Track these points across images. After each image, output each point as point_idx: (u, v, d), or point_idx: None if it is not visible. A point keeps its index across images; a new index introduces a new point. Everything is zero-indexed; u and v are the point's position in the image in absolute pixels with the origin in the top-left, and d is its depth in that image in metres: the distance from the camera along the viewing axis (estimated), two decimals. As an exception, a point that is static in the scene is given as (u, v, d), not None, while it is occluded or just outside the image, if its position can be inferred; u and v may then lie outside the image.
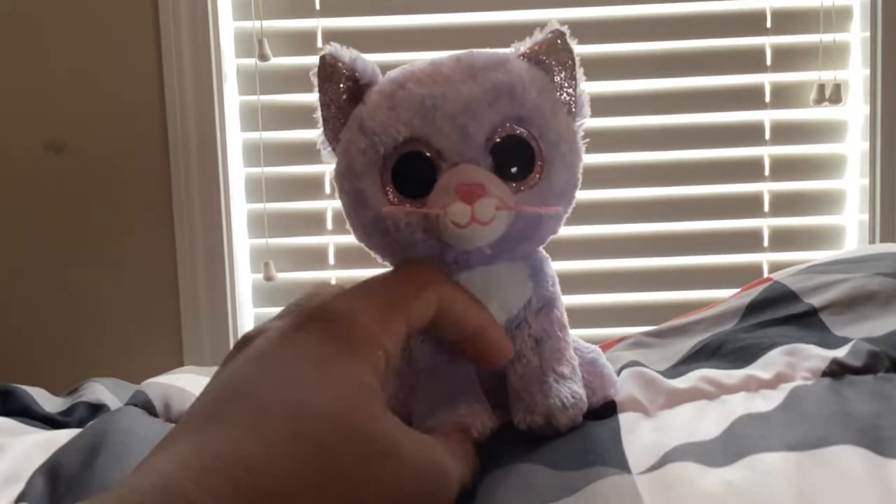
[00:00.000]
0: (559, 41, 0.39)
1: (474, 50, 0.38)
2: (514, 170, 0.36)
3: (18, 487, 0.42)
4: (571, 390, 0.37)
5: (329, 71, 0.38)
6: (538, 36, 0.39)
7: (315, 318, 0.31)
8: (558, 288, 0.41)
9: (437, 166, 0.36)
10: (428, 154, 0.36)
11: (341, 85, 0.38)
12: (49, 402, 0.57)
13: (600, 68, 1.43)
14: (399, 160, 0.36)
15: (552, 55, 0.39)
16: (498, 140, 0.36)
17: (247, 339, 0.32)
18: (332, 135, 0.39)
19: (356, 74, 0.38)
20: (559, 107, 0.38)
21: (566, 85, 0.39)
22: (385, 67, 0.39)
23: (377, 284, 0.34)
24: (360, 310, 0.32)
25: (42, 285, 1.47)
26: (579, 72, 0.39)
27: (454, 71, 0.37)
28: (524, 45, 0.39)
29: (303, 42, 1.46)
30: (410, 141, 0.36)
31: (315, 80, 0.39)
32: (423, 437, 0.31)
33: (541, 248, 0.41)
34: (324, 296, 0.32)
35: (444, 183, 0.35)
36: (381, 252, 0.39)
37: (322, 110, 0.39)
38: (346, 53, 0.38)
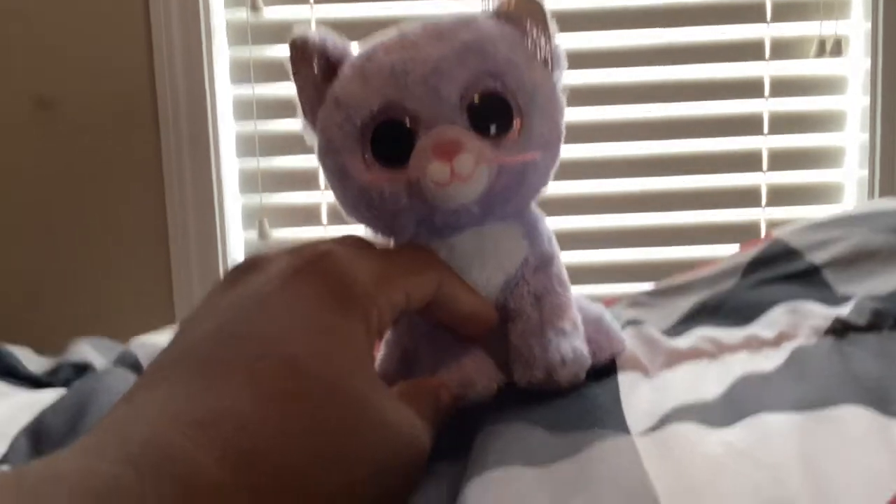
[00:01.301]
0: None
1: (442, 15, 0.38)
2: (492, 128, 0.36)
3: (2, 449, 0.42)
4: (572, 345, 0.37)
5: (300, 53, 0.39)
6: None
7: (316, 266, 0.31)
8: (556, 246, 0.41)
9: (415, 132, 0.36)
10: (404, 121, 0.36)
11: (314, 65, 0.39)
12: (34, 363, 0.56)
13: (602, 23, 1.41)
14: (376, 130, 0.36)
15: (521, 10, 0.38)
16: (473, 100, 0.36)
17: (245, 269, 0.32)
18: (312, 116, 0.39)
19: (327, 53, 0.38)
20: (532, 60, 0.38)
21: (540, 39, 0.39)
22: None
23: (382, 253, 0.35)
24: (362, 268, 0.32)
25: (31, 245, 1.47)
26: (552, 24, 0.39)
27: (421, 37, 0.37)
28: (492, 4, 0.39)
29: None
30: (385, 109, 0.36)
31: (289, 67, 0.39)
32: (404, 408, 0.31)
33: (534, 207, 0.40)
34: (329, 245, 0.32)
35: (422, 146, 0.35)
36: (372, 224, 0.39)
37: (299, 93, 0.40)
38: (316, 34, 0.39)
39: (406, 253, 0.37)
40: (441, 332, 0.38)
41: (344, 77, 0.37)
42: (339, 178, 0.38)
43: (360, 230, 0.39)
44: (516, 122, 0.36)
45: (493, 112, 0.36)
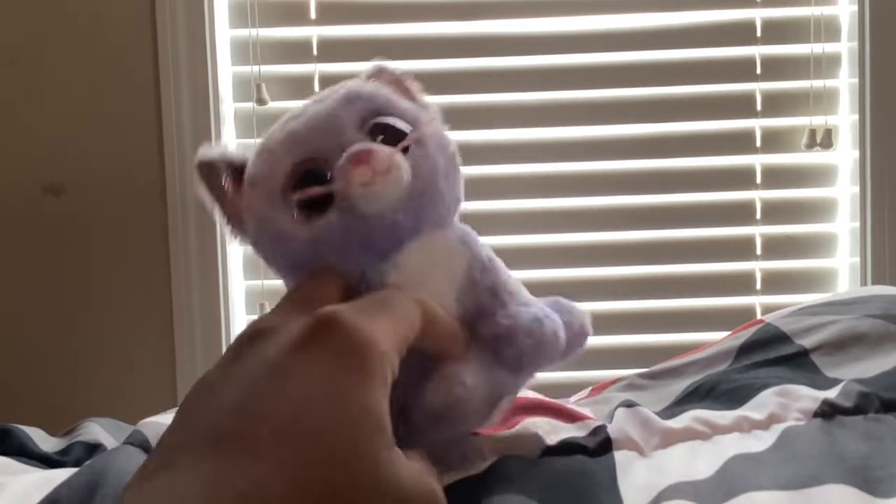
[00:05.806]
0: (383, 71, 0.44)
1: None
2: (391, 139, 0.39)
3: (16, 526, 0.42)
4: (538, 307, 0.39)
5: (207, 171, 0.42)
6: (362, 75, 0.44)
7: (328, 334, 0.30)
8: (492, 252, 0.41)
9: (329, 174, 0.38)
10: (317, 169, 0.38)
11: (223, 177, 0.41)
12: (46, 442, 0.56)
13: (596, 112, 1.44)
14: (294, 188, 0.38)
15: (382, 80, 0.43)
16: (368, 127, 0.39)
17: (252, 338, 0.32)
18: (237, 222, 0.41)
19: (233, 162, 0.41)
20: (405, 104, 0.42)
21: (405, 97, 0.43)
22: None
23: (377, 304, 0.34)
24: (371, 328, 0.31)
25: (37, 327, 1.47)
26: (413, 84, 0.44)
27: (305, 107, 0.41)
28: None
29: (300, 86, 1.48)
30: (297, 167, 0.39)
31: (200, 187, 0.42)
32: (417, 468, 0.31)
33: (458, 222, 0.42)
34: (331, 310, 0.32)
35: (340, 165, 0.37)
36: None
37: (220, 207, 0.42)
38: (215, 149, 0.42)
39: (393, 299, 0.35)
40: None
41: (252, 163, 0.40)
42: (279, 243, 0.39)
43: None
44: (410, 136, 0.40)
45: (389, 129, 0.40)
